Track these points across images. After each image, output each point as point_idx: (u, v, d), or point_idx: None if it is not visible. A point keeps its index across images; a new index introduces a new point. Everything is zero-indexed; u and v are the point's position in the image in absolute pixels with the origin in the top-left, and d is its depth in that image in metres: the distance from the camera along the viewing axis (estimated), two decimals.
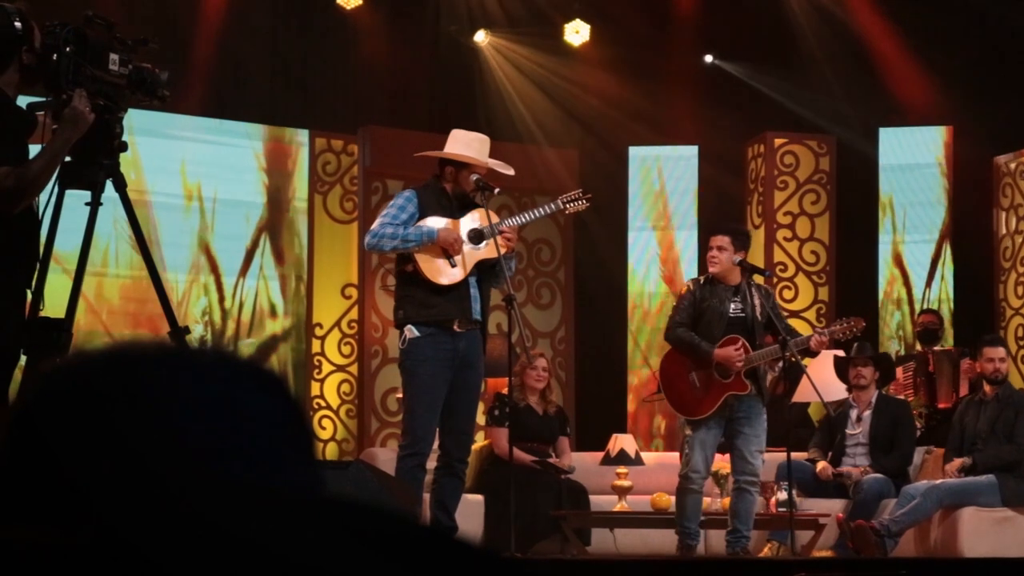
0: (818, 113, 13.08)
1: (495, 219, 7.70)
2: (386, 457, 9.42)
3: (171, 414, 1.09)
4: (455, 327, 7.56)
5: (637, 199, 13.16)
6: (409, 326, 7.58)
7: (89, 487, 1.06)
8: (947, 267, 12.72)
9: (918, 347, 11.82)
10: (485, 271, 7.74)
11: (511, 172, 7.90)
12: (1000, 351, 9.90)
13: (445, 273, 7.58)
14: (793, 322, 12.08)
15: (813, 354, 9.03)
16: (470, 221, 7.72)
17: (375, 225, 7.70)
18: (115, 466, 1.06)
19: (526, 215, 8.01)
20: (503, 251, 7.65)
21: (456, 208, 7.72)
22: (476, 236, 7.67)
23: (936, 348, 11.42)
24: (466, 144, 7.76)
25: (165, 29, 11.61)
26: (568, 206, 8.16)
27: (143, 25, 11.34)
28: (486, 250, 7.66)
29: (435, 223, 7.60)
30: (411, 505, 7.17)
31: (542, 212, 8.12)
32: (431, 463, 7.79)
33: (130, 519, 1.04)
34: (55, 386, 1.12)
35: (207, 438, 1.09)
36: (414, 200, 7.69)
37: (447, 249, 7.56)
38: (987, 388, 9.89)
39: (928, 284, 12.74)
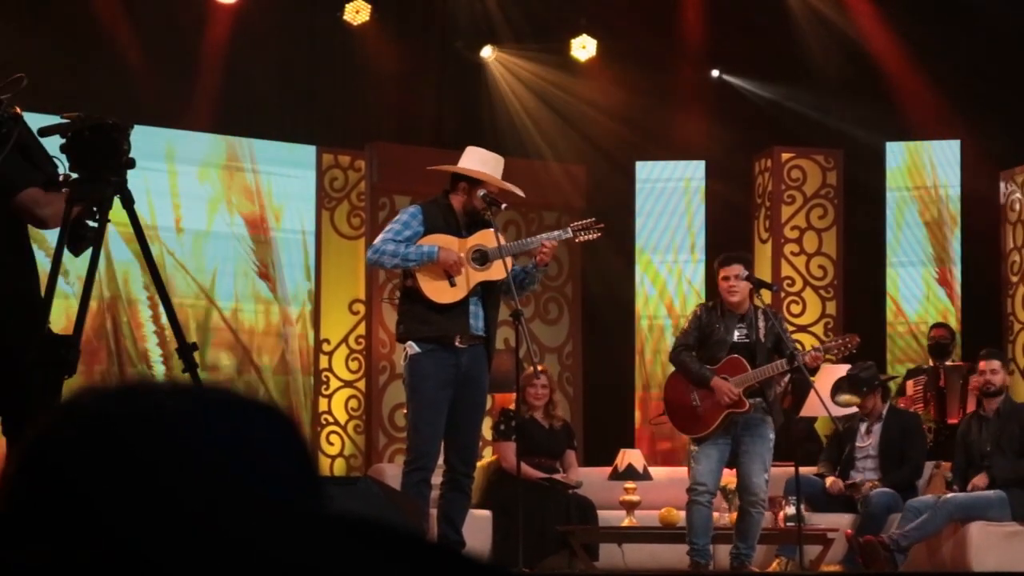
0: (825, 127, 13.08)
1: (503, 241, 7.72)
2: (394, 472, 9.41)
3: (186, 442, 1.10)
4: (456, 342, 7.58)
5: (644, 214, 13.16)
6: (411, 343, 7.61)
7: (108, 509, 1.06)
8: (939, 282, 12.71)
9: (929, 361, 11.80)
10: (491, 289, 7.74)
11: (522, 195, 7.93)
12: (993, 364, 9.92)
13: (444, 292, 7.59)
14: (800, 336, 12.10)
15: (811, 371, 9.08)
16: (478, 240, 7.73)
17: (378, 240, 7.73)
18: (133, 488, 1.07)
19: (535, 240, 8.02)
20: (542, 262, 7.70)
21: (462, 226, 7.72)
22: (480, 257, 7.67)
23: (947, 363, 11.41)
24: (482, 162, 7.76)
25: (172, 46, 11.63)
26: (579, 235, 8.17)
27: (151, 43, 11.37)
28: (489, 272, 7.68)
29: (437, 242, 7.60)
30: (419, 521, 7.17)
31: (553, 238, 8.14)
32: (437, 478, 7.81)
33: (150, 537, 1.04)
34: (72, 416, 1.12)
35: (221, 467, 1.10)
36: (419, 216, 7.69)
37: (447, 269, 7.57)
38: (986, 403, 9.91)
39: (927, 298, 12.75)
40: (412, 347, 7.61)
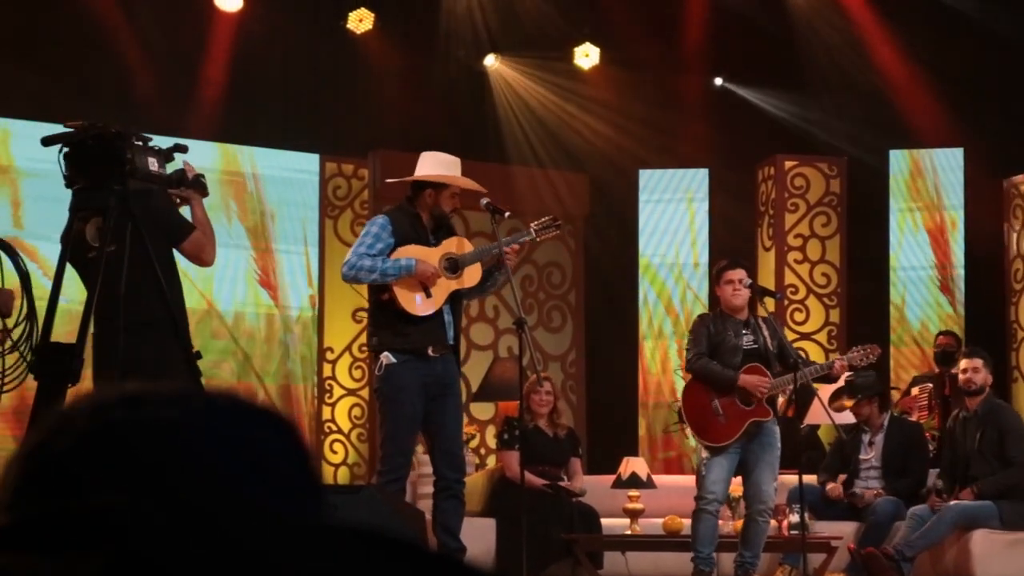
0: (828, 135, 13.08)
1: (469, 247, 7.80)
2: None
3: (188, 448, 1.10)
4: (429, 352, 7.62)
5: (647, 222, 13.15)
6: (386, 353, 7.66)
7: (116, 515, 1.06)
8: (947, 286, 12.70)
9: (935, 368, 11.80)
10: (457, 297, 7.80)
11: (484, 190, 7.91)
12: (975, 362, 9.85)
13: (421, 304, 7.64)
14: (804, 344, 12.12)
15: (834, 379, 9.07)
16: (446, 249, 7.78)
17: (351, 256, 7.74)
18: (135, 495, 1.07)
19: (503, 243, 7.99)
20: (504, 264, 7.74)
21: (430, 232, 7.77)
22: (451, 265, 7.72)
23: (953, 371, 11.39)
24: (443, 165, 7.80)
25: (175, 55, 11.64)
26: (540, 234, 8.19)
27: (154, 52, 11.39)
28: (462, 280, 7.74)
29: (412, 254, 7.63)
30: (421, 529, 7.17)
31: (517, 240, 8.16)
32: (429, 488, 7.89)
33: (156, 543, 1.05)
34: (73, 422, 1.12)
35: (224, 473, 1.10)
36: (388, 227, 7.72)
37: (424, 282, 7.62)
38: (968, 402, 9.88)
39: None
40: (388, 357, 7.66)
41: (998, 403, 10.09)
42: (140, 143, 5.56)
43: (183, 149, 5.90)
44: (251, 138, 11.97)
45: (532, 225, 8.21)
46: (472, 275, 7.77)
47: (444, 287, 7.68)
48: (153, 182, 5.64)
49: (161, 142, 7.21)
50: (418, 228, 7.75)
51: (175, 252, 6.43)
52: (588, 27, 13.04)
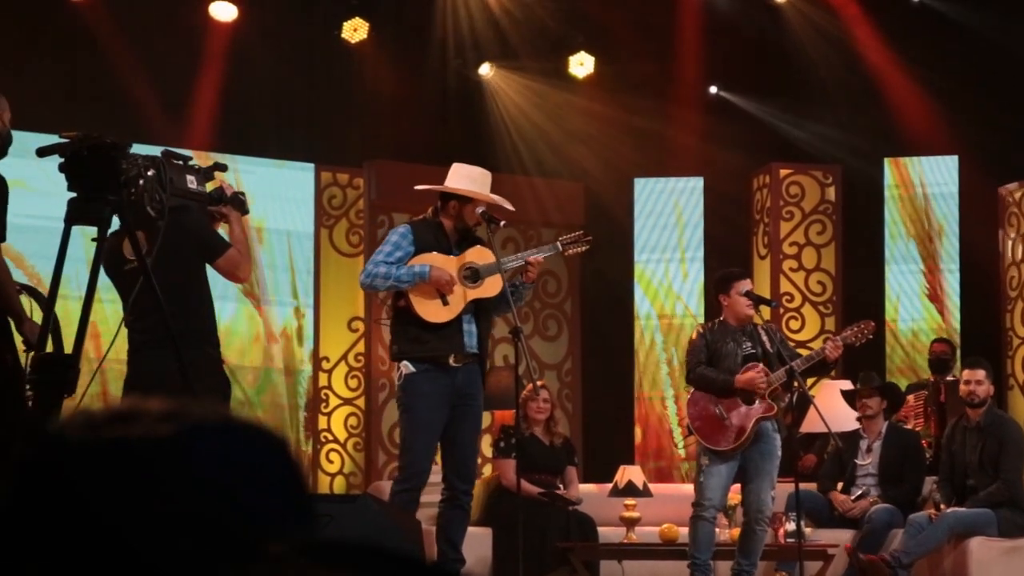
0: (823, 143, 13.09)
1: (491, 257, 7.74)
2: None
3: (177, 465, 1.10)
4: (451, 362, 7.60)
5: (642, 231, 13.15)
6: (405, 363, 7.64)
7: (115, 523, 1.06)
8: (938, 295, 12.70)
9: (930, 376, 11.80)
10: (483, 306, 7.76)
11: (512, 209, 7.94)
12: (978, 373, 9.80)
13: (437, 311, 7.62)
14: (800, 352, 12.10)
15: (831, 366, 9.04)
16: (469, 258, 7.75)
17: (369, 263, 7.76)
18: (138, 502, 1.07)
19: (525, 255, 8.02)
20: (528, 279, 7.71)
21: (453, 243, 7.75)
22: (472, 274, 7.70)
23: (948, 378, 11.38)
24: (471, 179, 7.78)
25: (171, 65, 11.64)
26: (568, 248, 8.19)
27: (149, 62, 11.38)
28: (481, 289, 7.69)
29: (429, 261, 7.62)
30: (417, 539, 7.17)
31: (543, 253, 8.16)
32: (435, 496, 7.85)
33: (159, 548, 1.04)
34: (71, 435, 1.12)
35: (213, 489, 1.10)
36: (409, 236, 7.71)
37: (439, 288, 7.60)
38: (970, 412, 9.85)
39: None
40: (407, 366, 7.63)
41: (1000, 415, 10.07)
42: (180, 162, 5.62)
43: (223, 168, 6.01)
44: (246, 148, 11.96)
45: (560, 239, 8.21)
46: (493, 285, 7.69)
47: (462, 295, 7.65)
48: (191, 199, 5.69)
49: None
50: (440, 238, 7.73)
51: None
52: (583, 36, 13.04)
